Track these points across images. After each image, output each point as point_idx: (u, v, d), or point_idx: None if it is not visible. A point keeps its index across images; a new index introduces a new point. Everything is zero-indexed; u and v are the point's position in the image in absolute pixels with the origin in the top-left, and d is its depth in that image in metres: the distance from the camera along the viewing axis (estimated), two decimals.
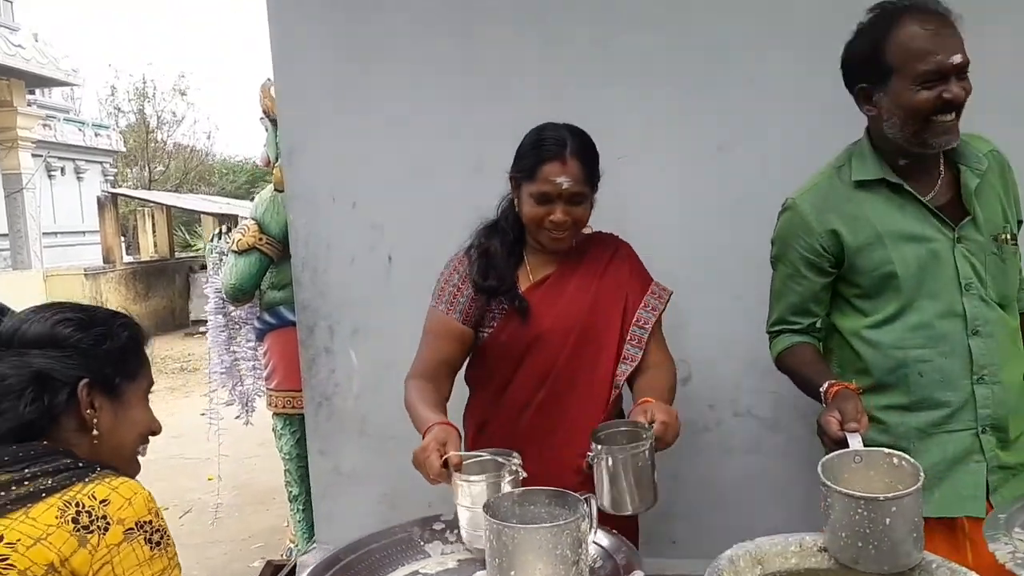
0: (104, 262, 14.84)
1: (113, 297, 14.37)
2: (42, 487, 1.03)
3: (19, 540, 0.98)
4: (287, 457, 3.35)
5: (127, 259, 15.94)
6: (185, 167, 24.01)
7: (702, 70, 2.35)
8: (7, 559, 0.96)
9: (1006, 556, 1.28)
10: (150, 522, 1.07)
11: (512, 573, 1.21)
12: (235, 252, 3.20)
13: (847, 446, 1.42)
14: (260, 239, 3.19)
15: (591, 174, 1.78)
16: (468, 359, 1.90)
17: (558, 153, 1.73)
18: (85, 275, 14.08)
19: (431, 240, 2.07)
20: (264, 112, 3.35)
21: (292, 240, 2.63)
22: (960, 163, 1.66)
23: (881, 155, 1.67)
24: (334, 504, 2.68)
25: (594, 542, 1.50)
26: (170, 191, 20.25)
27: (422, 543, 1.61)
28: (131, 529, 1.04)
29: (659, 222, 2.39)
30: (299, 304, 2.66)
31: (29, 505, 1.02)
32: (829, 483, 1.29)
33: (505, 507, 1.35)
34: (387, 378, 1.96)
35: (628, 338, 1.82)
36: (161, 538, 1.08)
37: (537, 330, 1.79)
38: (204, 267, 15.84)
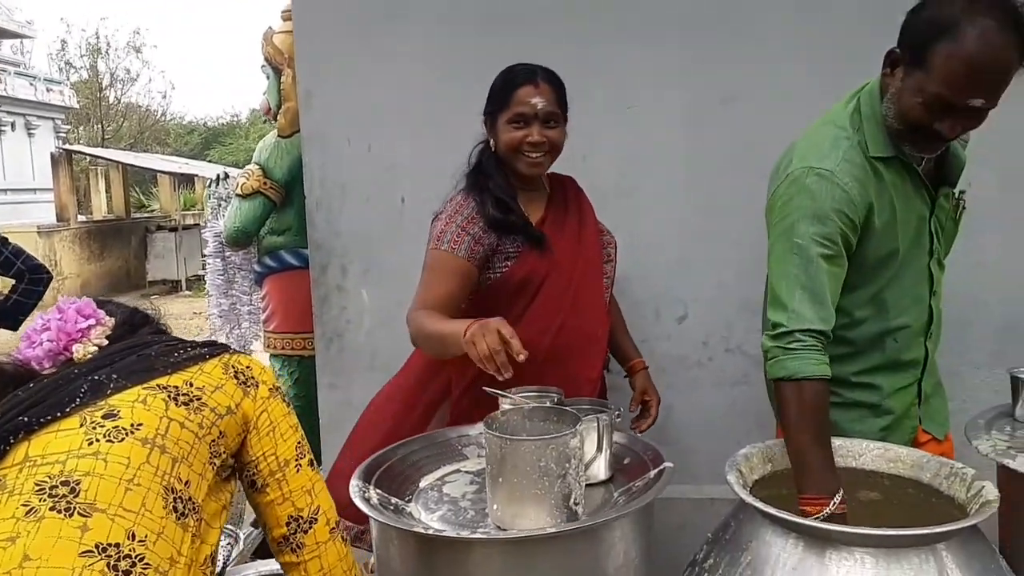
0: (58, 220, 14.52)
1: (67, 256, 14.10)
2: (204, 352, 1.22)
3: (204, 386, 1.17)
4: None
5: (80, 218, 15.60)
6: (140, 126, 23.47)
7: (709, 23, 2.49)
8: (200, 398, 1.15)
9: (988, 448, 1.48)
10: (279, 387, 1.28)
11: (500, 480, 1.33)
12: (239, 196, 3.27)
13: None
14: (264, 183, 3.26)
15: (561, 100, 1.90)
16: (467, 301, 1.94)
17: (530, 78, 1.86)
18: (39, 233, 13.75)
19: (444, 183, 2.15)
20: (266, 60, 3.41)
21: (307, 181, 2.72)
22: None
23: (886, 123, 1.55)
24: (342, 435, 2.78)
25: (618, 443, 1.65)
26: (123, 151, 19.80)
27: (460, 447, 1.74)
28: (272, 388, 1.26)
29: (664, 170, 2.55)
30: (313, 244, 2.75)
31: (200, 363, 1.20)
32: None
33: (515, 421, 1.45)
34: (398, 315, 2.05)
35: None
36: (288, 401, 1.29)
37: (552, 259, 1.90)
38: (160, 227, 15.38)
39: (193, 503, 1.07)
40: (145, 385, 1.13)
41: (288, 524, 1.24)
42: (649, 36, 2.50)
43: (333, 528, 1.29)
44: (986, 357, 2.39)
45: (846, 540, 1.21)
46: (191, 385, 1.16)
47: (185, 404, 1.13)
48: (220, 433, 1.16)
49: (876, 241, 1.55)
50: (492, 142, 1.93)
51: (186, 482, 1.08)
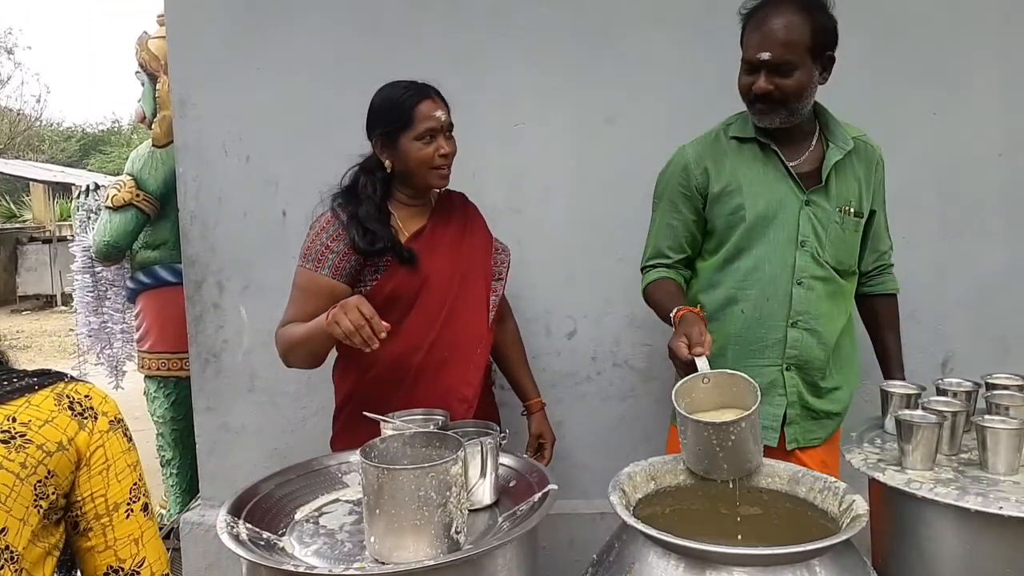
0: None
1: None
2: (33, 383, 1.12)
3: (31, 421, 1.07)
4: (160, 420, 3.27)
5: None
6: (11, 131, 22.09)
7: (594, 46, 2.51)
8: (25, 435, 1.05)
9: (860, 462, 1.52)
10: (122, 420, 1.17)
11: (378, 511, 1.27)
12: (110, 208, 3.08)
13: (695, 368, 1.59)
14: (137, 195, 3.09)
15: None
16: None
17: (427, 93, 1.86)
18: None
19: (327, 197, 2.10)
20: (141, 66, 3.24)
21: (180, 193, 2.58)
22: (831, 140, 1.87)
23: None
24: (221, 461, 2.66)
25: (503, 465, 1.62)
26: None
27: (340, 475, 1.67)
28: (113, 421, 1.16)
29: (551, 186, 2.55)
30: (187, 259, 2.61)
31: (28, 395, 1.09)
32: (682, 411, 1.47)
33: (395, 447, 1.41)
34: None
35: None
36: (131, 436, 1.19)
37: (425, 274, 1.88)
38: (33, 239, 14.55)
39: (11, 551, 0.98)
40: None
41: (107, 575, 1.14)
42: (537, 56, 2.51)
43: None
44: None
45: (725, 560, 1.21)
46: (14, 420, 1.05)
47: (5, 442, 1.03)
48: (48, 472, 1.06)
49: (721, 202, 1.86)
50: (388, 162, 1.89)
51: (2, 529, 0.98)
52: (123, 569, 1.14)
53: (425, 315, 1.89)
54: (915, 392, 1.66)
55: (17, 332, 11.07)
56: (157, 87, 3.18)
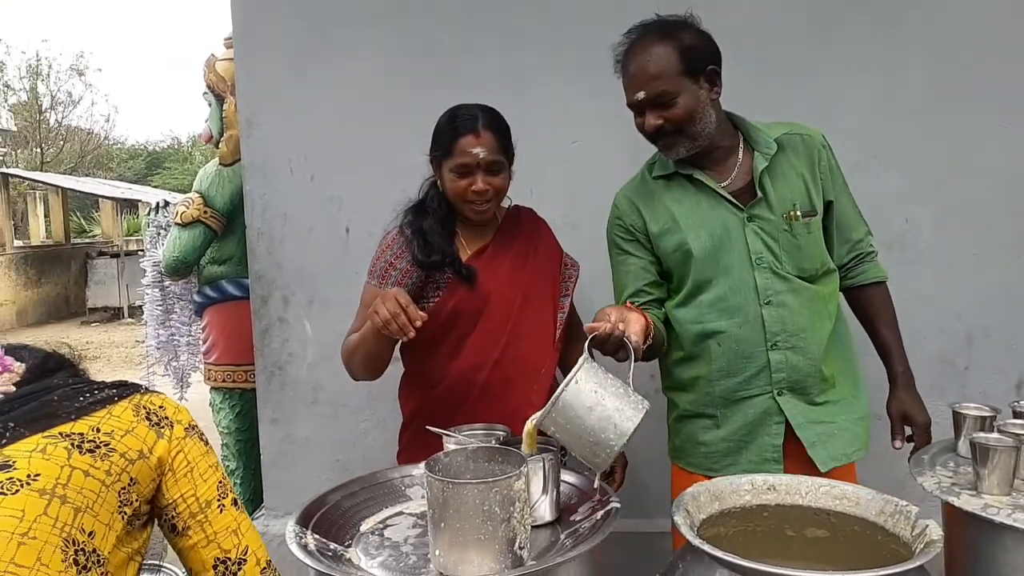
0: None
1: (2, 283, 13.66)
2: (112, 395, 1.16)
3: (113, 431, 1.11)
4: (225, 431, 3.34)
5: (17, 243, 15.14)
6: (81, 150, 22.93)
7: None
8: (108, 444, 1.09)
9: (932, 485, 1.48)
10: (196, 426, 1.23)
11: (443, 524, 1.28)
12: (179, 225, 3.18)
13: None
14: (204, 212, 3.18)
15: (505, 145, 1.90)
16: None
17: (472, 127, 1.85)
18: None
19: (388, 214, 2.14)
20: (208, 87, 3.34)
21: (248, 211, 2.66)
22: (755, 149, 1.80)
23: None
24: (284, 472, 2.72)
25: (564, 482, 1.62)
26: (64, 175, 19.32)
27: (403, 488, 1.69)
28: (188, 427, 1.21)
29: (607, 203, 2.54)
30: (253, 275, 2.69)
31: (109, 406, 1.14)
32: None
33: (459, 462, 1.42)
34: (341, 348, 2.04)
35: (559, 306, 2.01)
36: (207, 440, 1.24)
37: (486, 292, 1.90)
38: (102, 253, 15.07)
39: (98, 555, 1.01)
40: (46, 433, 1.07)
41: (216, 567, 1.19)
42: (592, 74, 2.48)
43: (264, 568, 1.22)
44: (924, 390, 2.41)
45: None
46: (98, 431, 1.10)
47: (91, 451, 1.07)
48: (131, 480, 1.10)
49: (664, 242, 1.82)
50: (439, 182, 1.93)
51: (90, 533, 1.02)
52: (230, 559, 1.19)
53: (488, 334, 1.91)
54: (990, 414, 1.61)
55: (87, 343, 11.47)
56: (224, 107, 3.28)
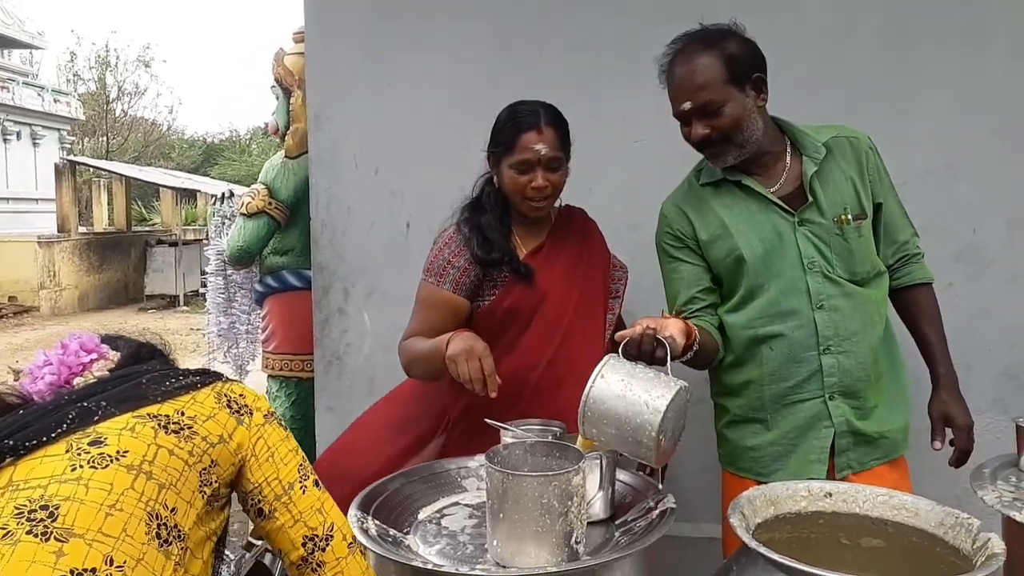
0: (58, 231, 14.54)
1: (66, 267, 14.11)
2: (196, 382, 1.22)
3: (196, 415, 1.17)
4: None
5: (81, 230, 15.62)
6: (145, 140, 23.57)
7: None
8: (191, 427, 1.15)
9: (994, 499, 1.46)
10: (274, 413, 1.27)
11: (501, 516, 1.32)
12: (244, 215, 3.27)
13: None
14: (269, 203, 3.26)
15: (564, 142, 1.91)
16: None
17: (534, 123, 1.86)
18: (39, 243, 13.78)
19: (448, 210, 2.17)
20: (276, 81, 3.43)
21: (312, 203, 2.72)
22: (803, 154, 1.80)
23: None
24: None
25: (619, 480, 1.64)
26: (127, 163, 19.88)
27: (459, 479, 1.73)
28: (267, 415, 1.25)
29: None
30: (316, 265, 2.75)
31: (193, 392, 1.19)
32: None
33: (517, 455, 1.45)
34: (397, 340, 2.08)
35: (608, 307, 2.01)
36: (285, 425, 1.29)
37: (543, 291, 1.91)
38: (160, 242, 15.38)
39: (179, 530, 1.06)
40: (135, 413, 1.12)
41: (304, 544, 1.23)
42: (654, 75, 2.51)
43: (351, 543, 1.26)
44: (987, 404, 2.38)
45: None
46: (182, 414, 1.15)
47: (175, 432, 1.12)
48: (212, 461, 1.15)
49: (715, 249, 1.82)
50: (495, 178, 1.95)
51: (172, 509, 1.07)
52: (318, 535, 1.22)
53: (543, 332, 1.92)
54: None
55: (143, 329, 11.68)
56: (291, 101, 3.36)
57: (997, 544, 1.27)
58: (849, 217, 1.76)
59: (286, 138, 3.37)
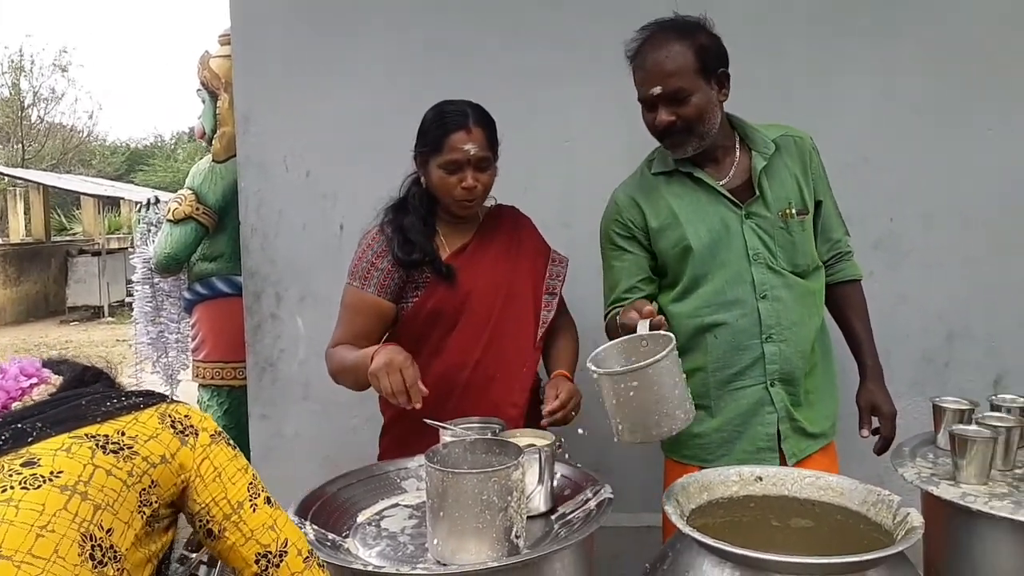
0: None
1: None
2: (139, 402, 1.20)
3: (138, 435, 1.14)
4: None
5: None
6: (63, 147, 22.73)
7: None
8: (132, 447, 1.12)
9: (913, 476, 1.53)
10: (222, 432, 1.25)
11: (442, 514, 1.32)
12: (171, 221, 3.18)
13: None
14: (197, 208, 3.18)
15: (492, 141, 1.91)
16: (388, 333, 1.97)
17: (462, 123, 1.85)
18: None
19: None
20: (202, 84, 3.35)
21: (242, 207, 2.67)
22: (753, 149, 1.87)
23: None
24: (275, 468, 2.72)
25: (559, 473, 1.66)
26: (45, 171, 19.15)
27: (398, 480, 1.72)
28: (213, 434, 1.23)
29: (601, 201, 2.58)
30: (246, 271, 2.70)
31: (135, 412, 1.17)
32: (592, 367, 1.52)
33: (457, 453, 1.46)
34: None
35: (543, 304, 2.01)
36: (234, 444, 1.27)
37: (466, 291, 1.90)
38: (82, 251, 14.86)
39: (115, 551, 1.04)
40: (72, 434, 1.10)
41: (258, 562, 1.20)
42: (589, 73, 2.55)
43: (307, 557, 1.24)
44: (907, 387, 2.48)
45: (781, 569, 1.23)
46: (123, 434, 1.13)
47: (114, 452, 1.10)
48: (152, 482, 1.13)
49: (664, 238, 1.86)
50: (423, 179, 1.94)
51: (108, 530, 1.04)
52: (271, 552, 1.20)
53: (469, 333, 1.91)
54: (968, 408, 1.67)
55: (66, 342, 11.38)
56: (218, 104, 3.29)
57: (916, 518, 1.33)
58: (793, 211, 1.83)
59: (213, 142, 3.29)
